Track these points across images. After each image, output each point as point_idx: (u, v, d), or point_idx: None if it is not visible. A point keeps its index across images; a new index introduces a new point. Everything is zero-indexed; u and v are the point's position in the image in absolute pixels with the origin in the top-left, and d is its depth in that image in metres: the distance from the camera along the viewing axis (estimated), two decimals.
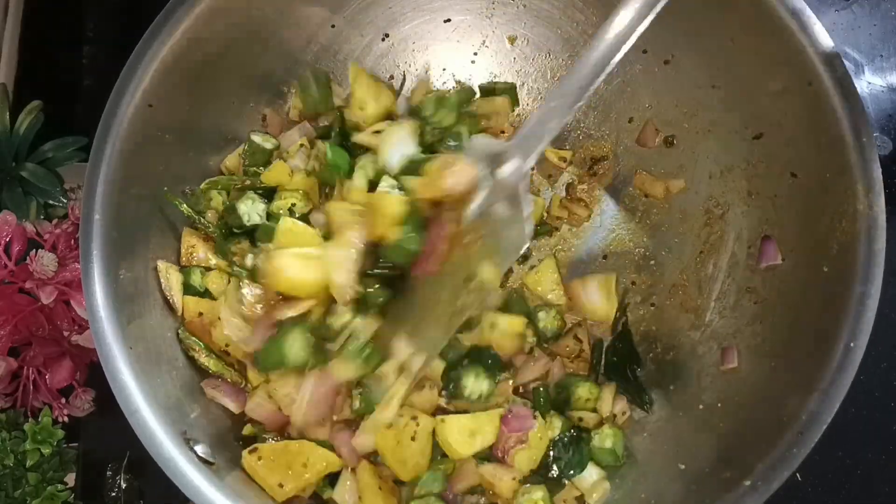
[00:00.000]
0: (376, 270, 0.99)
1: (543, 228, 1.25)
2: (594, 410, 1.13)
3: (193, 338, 1.09)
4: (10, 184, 1.32)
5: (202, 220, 1.13)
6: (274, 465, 1.01)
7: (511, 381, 1.13)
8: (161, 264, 1.10)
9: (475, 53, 1.29)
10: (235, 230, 1.13)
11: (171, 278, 1.10)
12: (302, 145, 1.18)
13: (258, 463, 1.01)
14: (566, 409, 1.13)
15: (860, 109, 0.96)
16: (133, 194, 1.05)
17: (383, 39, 1.26)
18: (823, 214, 1.00)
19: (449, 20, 1.26)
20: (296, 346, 0.98)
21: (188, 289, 1.11)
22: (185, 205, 1.12)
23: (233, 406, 1.09)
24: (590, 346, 1.19)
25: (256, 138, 1.18)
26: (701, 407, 1.09)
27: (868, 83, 1.36)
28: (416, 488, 1.04)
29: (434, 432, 1.05)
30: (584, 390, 1.13)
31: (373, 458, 1.07)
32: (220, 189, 1.16)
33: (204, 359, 1.09)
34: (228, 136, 1.19)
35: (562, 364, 1.17)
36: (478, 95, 1.27)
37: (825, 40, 0.98)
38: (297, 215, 1.11)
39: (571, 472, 1.08)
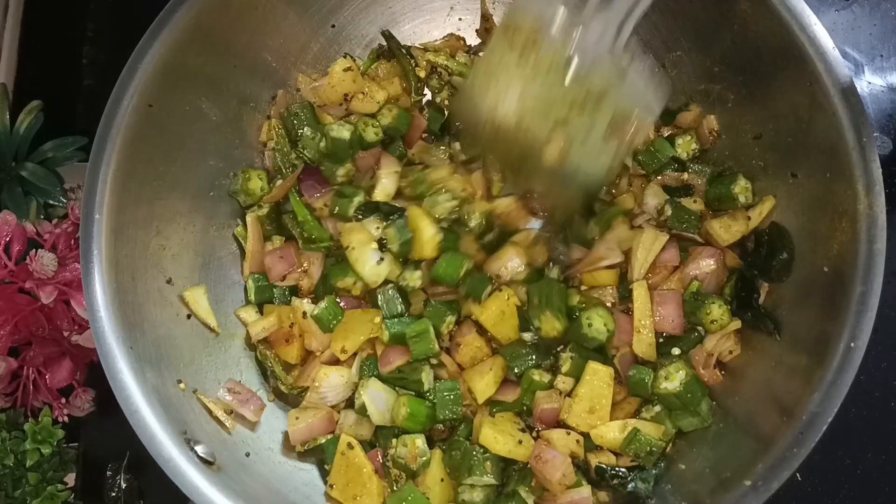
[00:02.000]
0: None
1: None
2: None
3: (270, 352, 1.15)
4: (10, 184, 1.32)
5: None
6: (343, 472, 1.05)
7: None
8: (188, 293, 1.11)
9: (477, 53, 1.28)
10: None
11: (196, 294, 1.12)
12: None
13: (341, 454, 1.05)
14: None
15: (860, 109, 0.96)
16: (133, 194, 1.05)
17: (383, 39, 1.26)
18: (823, 214, 1.00)
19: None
20: None
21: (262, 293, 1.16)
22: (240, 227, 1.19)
23: (249, 414, 1.09)
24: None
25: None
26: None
27: (868, 83, 1.36)
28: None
29: None
30: (717, 309, 1.09)
31: None
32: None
33: (279, 371, 1.14)
34: (228, 136, 1.19)
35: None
36: None
37: (825, 40, 0.98)
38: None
39: None
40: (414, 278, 1.13)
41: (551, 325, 1.08)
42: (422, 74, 1.23)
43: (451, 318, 1.13)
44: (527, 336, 1.11)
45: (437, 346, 1.11)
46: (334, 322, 1.13)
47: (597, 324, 1.08)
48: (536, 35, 0.93)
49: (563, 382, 1.08)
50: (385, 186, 1.17)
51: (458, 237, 1.14)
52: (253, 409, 1.10)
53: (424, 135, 1.24)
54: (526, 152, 0.99)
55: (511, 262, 1.12)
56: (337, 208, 1.17)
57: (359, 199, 1.17)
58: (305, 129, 1.18)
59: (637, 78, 0.96)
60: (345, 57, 1.22)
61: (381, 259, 1.13)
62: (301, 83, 1.22)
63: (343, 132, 1.17)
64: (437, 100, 1.23)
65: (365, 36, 1.25)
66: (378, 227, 1.14)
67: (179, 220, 1.13)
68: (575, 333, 1.09)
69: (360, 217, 1.17)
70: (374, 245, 1.13)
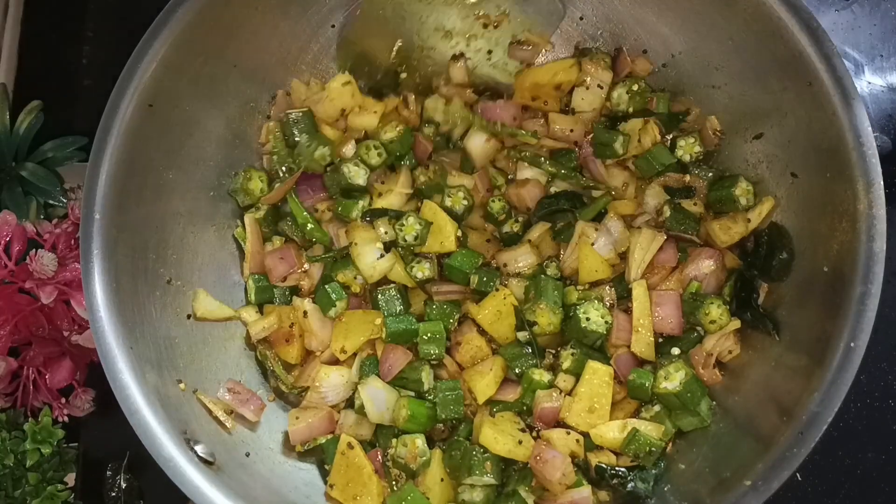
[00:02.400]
0: None
1: None
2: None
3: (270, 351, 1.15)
4: (10, 184, 1.32)
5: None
6: (343, 472, 1.05)
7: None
8: (195, 304, 1.12)
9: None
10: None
11: (202, 300, 1.13)
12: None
13: (341, 454, 1.05)
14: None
15: (860, 109, 0.96)
16: (133, 194, 1.05)
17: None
18: (823, 214, 1.00)
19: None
20: None
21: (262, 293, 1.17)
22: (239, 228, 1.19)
23: (249, 414, 1.09)
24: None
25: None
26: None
27: (868, 83, 1.36)
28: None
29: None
30: (716, 310, 1.09)
31: None
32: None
33: (279, 370, 1.14)
34: (228, 136, 1.19)
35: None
36: None
37: (825, 40, 0.98)
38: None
39: None
40: (423, 269, 1.14)
41: (547, 318, 1.08)
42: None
43: (456, 318, 1.13)
44: (521, 335, 1.11)
45: (444, 348, 1.11)
46: (333, 307, 1.13)
47: (594, 316, 1.08)
48: None
49: (563, 381, 1.08)
50: (391, 198, 1.18)
51: (467, 235, 1.18)
52: (253, 409, 1.10)
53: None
54: (433, 73, 1.19)
55: (523, 258, 1.14)
56: (340, 209, 1.17)
57: (363, 202, 1.17)
58: (303, 137, 1.18)
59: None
60: (344, 73, 1.22)
61: (382, 255, 1.13)
62: (294, 89, 1.22)
63: (359, 176, 1.17)
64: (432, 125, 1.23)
65: None
66: (387, 232, 1.15)
67: (179, 220, 1.13)
68: (574, 330, 1.09)
69: (368, 220, 1.17)
70: (379, 244, 1.14)
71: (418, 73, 1.23)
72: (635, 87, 1.18)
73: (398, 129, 1.20)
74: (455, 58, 1.23)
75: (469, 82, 1.23)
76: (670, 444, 1.07)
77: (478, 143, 1.20)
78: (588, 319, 1.08)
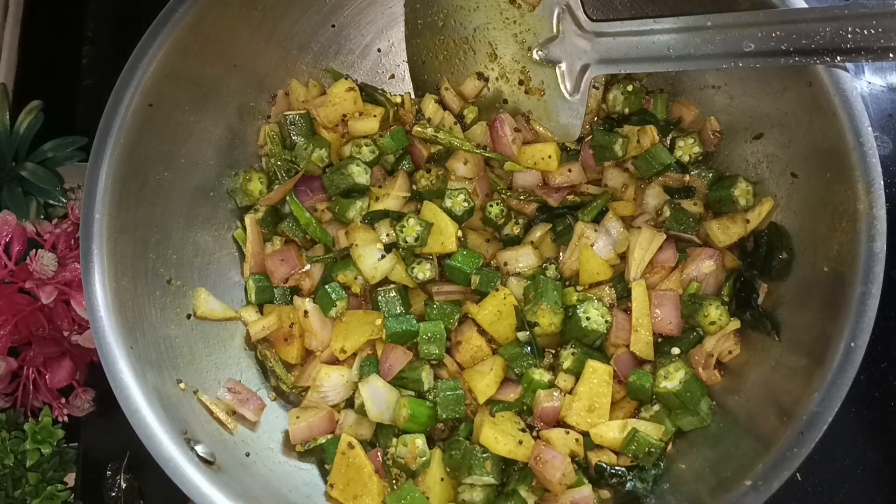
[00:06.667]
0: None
1: None
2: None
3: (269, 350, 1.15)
4: (10, 184, 1.32)
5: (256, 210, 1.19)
6: (344, 471, 1.05)
7: None
8: (196, 303, 1.12)
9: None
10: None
11: (202, 299, 1.13)
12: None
13: (342, 454, 1.05)
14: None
15: (860, 109, 0.96)
16: (133, 194, 1.05)
17: (383, 39, 1.26)
18: (823, 214, 1.00)
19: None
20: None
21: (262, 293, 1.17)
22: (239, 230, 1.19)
23: (249, 414, 1.09)
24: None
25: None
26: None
27: (868, 83, 1.36)
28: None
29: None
30: (714, 311, 1.08)
31: None
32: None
33: (279, 370, 1.15)
34: (228, 136, 1.19)
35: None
36: None
37: None
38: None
39: None
40: (424, 270, 1.14)
41: (548, 319, 1.09)
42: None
43: (456, 318, 1.14)
44: (521, 335, 1.11)
45: (445, 348, 1.11)
46: (333, 307, 1.13)
47: (594, 316, 1.08)
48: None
49: (563, 380, 1.08)
50: (388, 202, 1.18)
51: (468, 235, 1.18)
52: (253, 409, 1.10)
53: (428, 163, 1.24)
54: (455, 67, 1.24)
55: (524, 258, 1.14)
56: (338, 209, 1.17)
57: (361, 203, 1.17)
58: (300, 139, 1.18)
59: (565, 107, 1.16)
60: (346, 78, 1.23)
61: (384, 256, 1.13)
62: (294, 89, 1.22)
63: (361, 175, 1.17)
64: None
65: (365, 36, 1.25)
66: (388, 234, 1.15)
67: (179, 220, 1.13)
68: (574, 330, 1.09)
69: (369, 221, 1.17)
70: (380, 245, 1.14)
71: (448, 54, 1.24)
72: (630, 88, 1.19)
73: (390, 127, 1.21)
74: (479, 75, 1.23)
75: (470, 99, 1.24)
76: (670, 444, 1.07)
77: (459, 167, 1.20)
78: (588, 319, 1.08)
